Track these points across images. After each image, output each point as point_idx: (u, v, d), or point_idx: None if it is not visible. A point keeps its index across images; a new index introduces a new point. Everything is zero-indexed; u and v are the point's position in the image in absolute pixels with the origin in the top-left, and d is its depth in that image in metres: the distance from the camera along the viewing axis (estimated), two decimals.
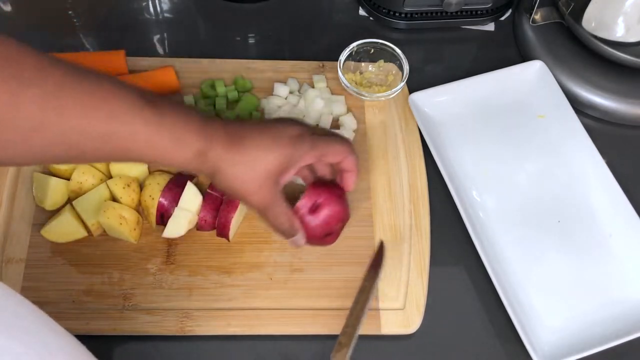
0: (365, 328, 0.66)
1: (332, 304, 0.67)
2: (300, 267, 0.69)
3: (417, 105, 0.79)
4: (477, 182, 0.76)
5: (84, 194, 0.69)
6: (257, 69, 0.82)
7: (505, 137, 0.79)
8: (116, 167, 0.70)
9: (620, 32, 0.78)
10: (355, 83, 0.81)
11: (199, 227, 0.70)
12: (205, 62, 0.82)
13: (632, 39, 0.78)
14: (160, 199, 0.68)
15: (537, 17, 0.86)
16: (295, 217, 0.62)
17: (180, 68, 0.80)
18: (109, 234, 0.69)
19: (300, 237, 0.64)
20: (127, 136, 0.50)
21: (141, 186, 0.71)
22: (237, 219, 0.69)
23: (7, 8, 0.90)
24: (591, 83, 0.83)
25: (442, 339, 0.68)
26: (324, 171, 0.66)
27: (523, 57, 0.88)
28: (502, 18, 0.92)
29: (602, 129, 0.83)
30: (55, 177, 0.69)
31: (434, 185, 0.76)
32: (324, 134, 0.62)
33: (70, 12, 0.88)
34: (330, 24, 0.92)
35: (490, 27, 0.92)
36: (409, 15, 0.88)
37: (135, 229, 0.68)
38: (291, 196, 0.64)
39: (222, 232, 0.68)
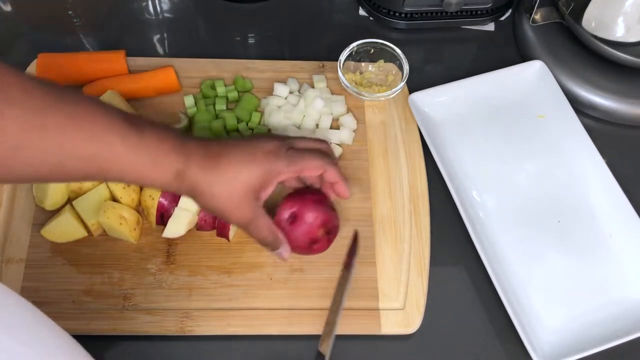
0: (365, 328, 0.66)
1: None
2: (300, 267, 0.69)
3: (417, 105, 0.79)
4: (477, 182, 0.76)
5: (84, 194, 0.68)
6: (257, 69, 0.82)
7: (505, 137, 0.79)
8: None
9: (620, 32, 0.78)
10: (355, 83, 0.81)
11: (199, 227, 0.70)
12: (205, 62, 0.82)
13: (632, 39, 0.78)
14: (160, 199, 0.68)
15: (537, 17, 0.86)
16: (278, 229, 0.63)
17: (180, 68, 0.80)
18: (109, 234, 0.69)
19: (284, 249, 0.64)
20: (108, 157, 0.51)
21: (141, 186, 0.71)
22: None
23: (7, 8, 0.90)
24: (591, 83, 0.83)
25: (442, 339, 0.68)
26: (312, 179, 0.67)
27: (523, 57, 0.88)
28: (502, 18, 0.92)
29: (602, 129, 0.83)
30: None
31: (434, 185, 0.76)
32: (304, 146, 0.62)
33: (70, 12, 0.88)
34: (330, 24, 0.92)
35: (490, 27, 0.92)
36: (409, 15, 0.88)
37: (135, 229, 0.68)
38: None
39: (222, 232, 0.68)
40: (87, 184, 0.69)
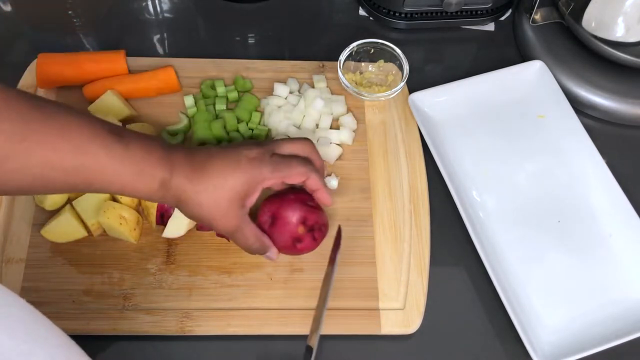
0: (365, 328, 0.66)
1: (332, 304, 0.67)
2: (300, 267, 0.69)
3: (417, 105, 0.79)
4: (477, 182, 0.76)
5: (83, 194, 0.69)
6: (257, 69, 0.82)
7: (505, 137, 0.79)
8: None
9: (620, 32, 0.78)
10: (355, 83, 0.81)
11: (199, 227, 0.70)
12: (205, 62, 0.82)
13: (632, 39, 0.78)
14: None
15: (537, 17, 0.86)
16: (263, 234, 0.64)
17: (180, 68, 0.80)
18: (109, 234, 0.69)
19: (272, 252, 0.65)
20: (93, 168, 0.51)
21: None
22: None
23: (7, 8, 0.90)
24: (591, 83, 0.83)
25: (442, 339, 0.68)
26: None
27: (523, 57, 0.88)
28: (502, 18, 0.92)
29: (602, 129, 0.83)
30: None
31: (434, 185, 0.76)
32: (289, 150, 0.63)
33: (70, 12, 0.88)
34: (330, 24, 0.92)
35: (490, 27, 0.92)
36: (409, 15, 0.88)
37: (135, 229, 0.68)
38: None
39: None
40: None
